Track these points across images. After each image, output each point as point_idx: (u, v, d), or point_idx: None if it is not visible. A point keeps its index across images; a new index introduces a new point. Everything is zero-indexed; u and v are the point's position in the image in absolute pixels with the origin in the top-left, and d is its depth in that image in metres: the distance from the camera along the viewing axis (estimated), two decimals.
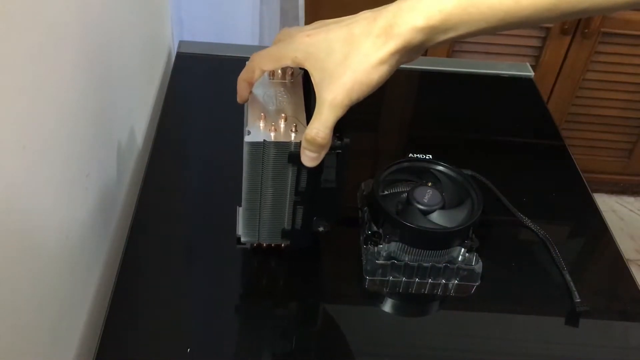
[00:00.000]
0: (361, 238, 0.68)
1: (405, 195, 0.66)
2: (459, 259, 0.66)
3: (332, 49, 0.52)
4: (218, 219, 0.73)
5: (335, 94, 0.51)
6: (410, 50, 0.51)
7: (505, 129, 0.94)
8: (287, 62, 0.55)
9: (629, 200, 1.92)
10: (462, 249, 0.65)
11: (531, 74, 1.04)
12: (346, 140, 0.57)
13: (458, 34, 0.50)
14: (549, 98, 1.68)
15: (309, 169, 0.58)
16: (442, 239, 0.64)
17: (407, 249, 0.65)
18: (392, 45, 0.50)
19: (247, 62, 0.58)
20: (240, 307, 0.66)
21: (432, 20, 0.49)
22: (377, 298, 0.67)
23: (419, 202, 0.64)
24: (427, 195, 0.65)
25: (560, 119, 1.71)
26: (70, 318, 0.64)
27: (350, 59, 0.51)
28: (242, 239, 0.65)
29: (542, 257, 0.73)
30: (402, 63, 0.52)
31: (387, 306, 0.66)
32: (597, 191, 1.85)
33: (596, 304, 0.68)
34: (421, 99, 1.03)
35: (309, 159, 0.56)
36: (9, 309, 0.50)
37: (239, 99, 0.60)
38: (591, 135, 1.77)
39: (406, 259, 0.65)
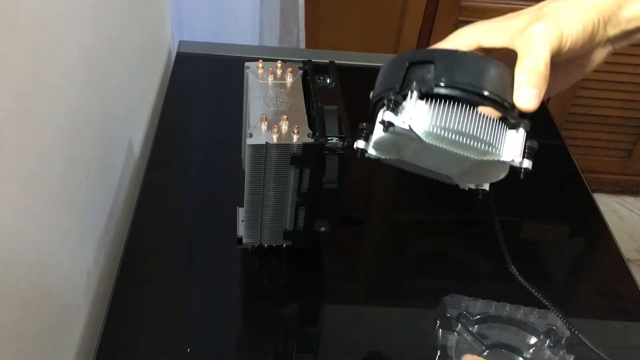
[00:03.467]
0: None
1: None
2: None
3: (523, 20, 0.46)
4: (218, 219, 0.73)
5: (543, 25, 0.44)
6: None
7: None
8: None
9: (629, 200, 1.91)
10: None
11: None
12: (348, 140, 0.57)
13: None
14: (549, 98, 1.67)
15: (311, 170, 0.59)
16: None
17: None
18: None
19: (451, 38, 0.49)
20: (241, 308, 0.66)
21: None
22: (377, 298, 0.67)
23: None
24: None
25: (560, 119, 1.71)
26: (70, 318, 0.64)
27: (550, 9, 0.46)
28: (244, 241, 0.65)
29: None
30: (596, 31, 0.49)
31: None
32: (597, 191, 1.85)
33: (596, 304, 0.68)
34: None
35: (529, 97, 0.44)
36: (9, 309, 0.50)
37: None
38: (591, 135, 1.77)
39: None
